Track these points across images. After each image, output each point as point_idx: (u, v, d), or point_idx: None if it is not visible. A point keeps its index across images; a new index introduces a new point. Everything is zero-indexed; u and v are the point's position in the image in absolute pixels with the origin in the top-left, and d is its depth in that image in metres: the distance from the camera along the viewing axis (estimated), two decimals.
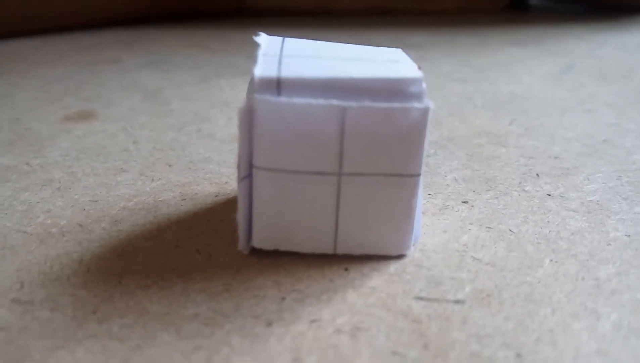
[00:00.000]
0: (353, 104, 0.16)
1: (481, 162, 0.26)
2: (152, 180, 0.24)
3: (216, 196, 0.23)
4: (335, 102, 0.16)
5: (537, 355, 0.15)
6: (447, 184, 0.24)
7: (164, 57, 0.44)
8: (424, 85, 0.17)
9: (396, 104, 0.17)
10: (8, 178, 0.24)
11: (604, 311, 0.16)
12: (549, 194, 0.23)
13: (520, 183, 0.24)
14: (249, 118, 0.17)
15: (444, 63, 0.41)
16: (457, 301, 0.17)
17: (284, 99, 0.16)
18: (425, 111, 0.17)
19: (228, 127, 0.30)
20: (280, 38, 0.20)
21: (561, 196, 0.23)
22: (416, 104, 0.17)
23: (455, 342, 0.15)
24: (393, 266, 0.18)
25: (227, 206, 0.22)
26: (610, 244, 0.20)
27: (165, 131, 0.29)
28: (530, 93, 0.35)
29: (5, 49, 0.47)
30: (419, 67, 0.17)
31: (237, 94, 0.35)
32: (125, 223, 0.21)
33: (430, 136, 0.28)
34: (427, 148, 0.25)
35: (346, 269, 0.18)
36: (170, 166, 0.26)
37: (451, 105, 0.33)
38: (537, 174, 0.24)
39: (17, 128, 0.30)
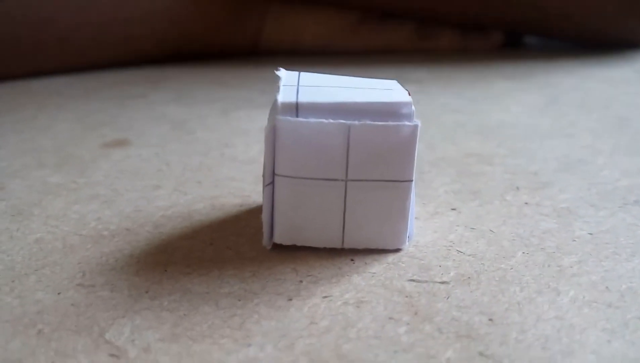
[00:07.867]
0: (356, 122, 0.20)
1: (469, 177, 0.29)
2: (185, 194, 0.28)
3: (241, 206, 0.27)
4: (341, 121, 0.20)
5: (506, 320, 0.18)
6: (439, 196, 0.27)
7: (187, 93, 0.48)
8: (413, 107, 0.21)
9: (390, 123, 0.21)
10: (60, 193, 0.28)
11: (564, 289, 0.20)
12: (526, 203, 0.26)
13: (502, 194, 0.27)
14: (272, 135, 0.21)
15: (440, 96, 0.45)
16: (442, 282, 0.20)
17: (301, 119, 0.20)
18: (414, 128, 0.21)
19: (247, 152, 0.34)
20: (297, 72, 0.24)
21: (536, 204, 0.26)
22: (407, 123, 0.21)
23: (439, 310, 0.19)
24: (391, 257, 0.22)
25: (250, 214, 0.26)
26: (575, 240, 0.23)
27: (193, 155, 0.34)
28: (517, 121, 0.39)
29: (42, 85, 0.52)
30: (409, 93, 0.21)
31: (254, 125, 0.39)
32: (166, 227, 0.25)
33: (425, 156, 0.32)
34: (419, 161, 0.29)
35: (352, 260, 0.22)
36: (199, 183, 0.29)
37: (445, 131, 0.37)
38: (517, 187, 0.28)
39: (61, 153, 0.34)
